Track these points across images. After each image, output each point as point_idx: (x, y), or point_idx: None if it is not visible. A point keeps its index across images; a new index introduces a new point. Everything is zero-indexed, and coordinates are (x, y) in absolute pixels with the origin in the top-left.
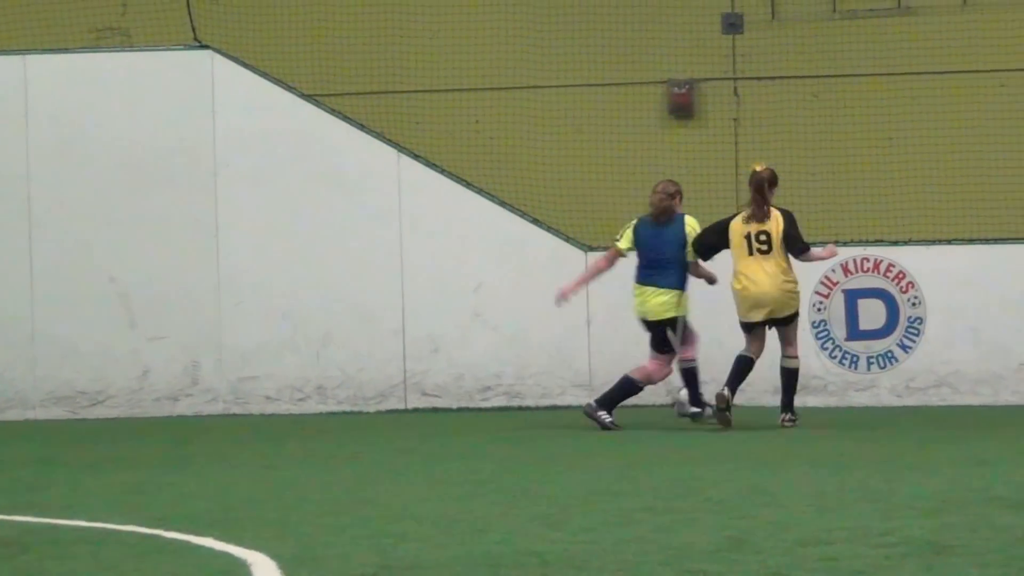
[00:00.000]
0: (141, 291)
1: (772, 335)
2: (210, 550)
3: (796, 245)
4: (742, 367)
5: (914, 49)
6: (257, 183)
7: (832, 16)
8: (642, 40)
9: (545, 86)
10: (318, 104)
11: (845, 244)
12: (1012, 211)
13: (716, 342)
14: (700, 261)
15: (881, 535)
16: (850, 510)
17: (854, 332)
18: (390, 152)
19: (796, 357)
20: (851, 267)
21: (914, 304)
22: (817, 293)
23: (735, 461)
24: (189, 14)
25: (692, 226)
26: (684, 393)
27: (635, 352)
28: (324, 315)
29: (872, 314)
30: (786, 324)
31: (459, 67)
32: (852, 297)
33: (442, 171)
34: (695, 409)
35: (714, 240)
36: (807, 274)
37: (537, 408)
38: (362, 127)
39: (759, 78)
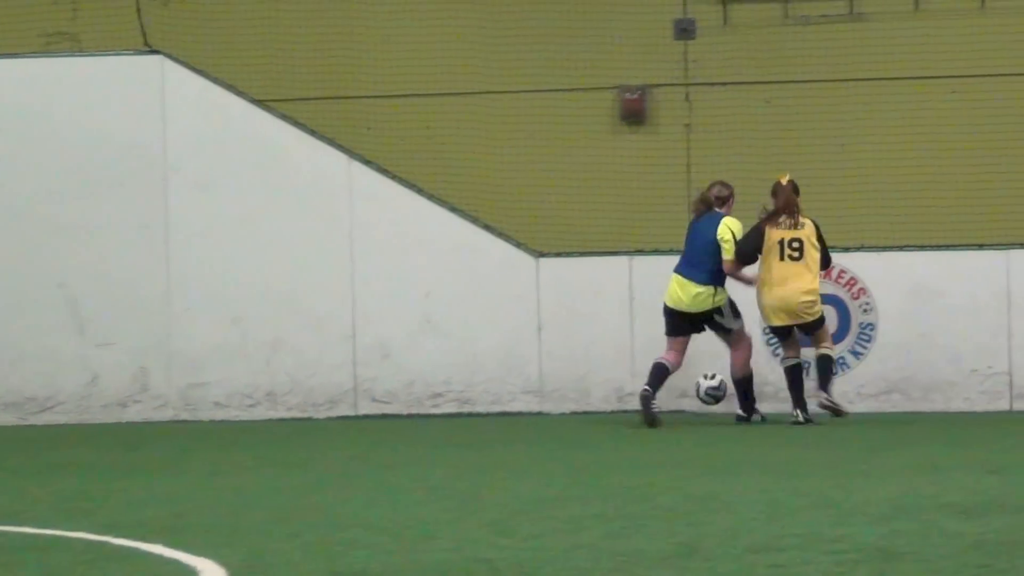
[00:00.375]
0: (90, 296)
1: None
2: (159, 557)
3: (827, 256)
4: (795, 376)
5: (866, 55)
6: (207, 188)
7: (784, 22)
8: (594, 46)
9: (497, 92)
10: (269, 109)
11: None
12: (964, 217)
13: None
14: (742, 265)
15: (832, 542)
16: (801, 517)
17: (806, 339)
18: (341, 158)
19: (830, 347)
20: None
21: (865, 310)
22: None
23: (686, 468)
24: (139, 19)
25: (726, 225)
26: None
27: (586, 358)
28: (274, 321)
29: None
30: (814, 329)
31: (410, 73)
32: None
33: (393, 177)
34: (742, 414)
35: (754, 245)
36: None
37: (488, 414)
38: (313, 133)
39: (711, 84)
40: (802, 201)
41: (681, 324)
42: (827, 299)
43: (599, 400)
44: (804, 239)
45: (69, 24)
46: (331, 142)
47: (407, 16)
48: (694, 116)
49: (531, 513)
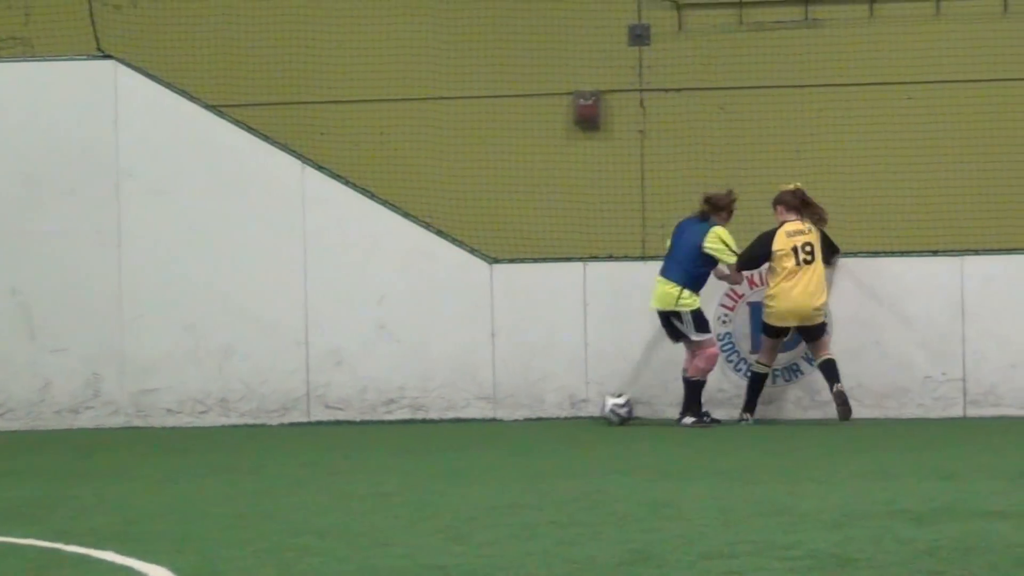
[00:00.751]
0: (42, 302)
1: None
2: (111, 564)
3: (831, 251)
4: (758, 382)
5: (821, 61)
6: (160, 194)
7: (739, 28)
8: (548, 51)
9: (451, 97)
10: (222, 115)
11: None
12: (918, 224)
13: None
14: (743, 271)
15: (785, 548)
16: (754, 523)
17: (759, 345)
18: (294, 163)
19: (831, 353)
20: (756, 280)
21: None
22: (722, 306)
23: (639, 474)
24: (92, 24)
25: (717, 236)
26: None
27: (539, 365)
28: (227, 327)
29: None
30: (817, 336)
31: (364, 78)
32: (757, 310)
33: (346, 182)
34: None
35: (761, 252)
36: (712, 287)
37: (441, 421)
38: (266, 138)
39: (665, 90)
40: (756, 206)
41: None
42: None
43: (553, 406)
44: (813, 243)
45: (22, 28)
46: (284, 148)
47: (361, 21)
48: (648, 122)
49: (485, 520)
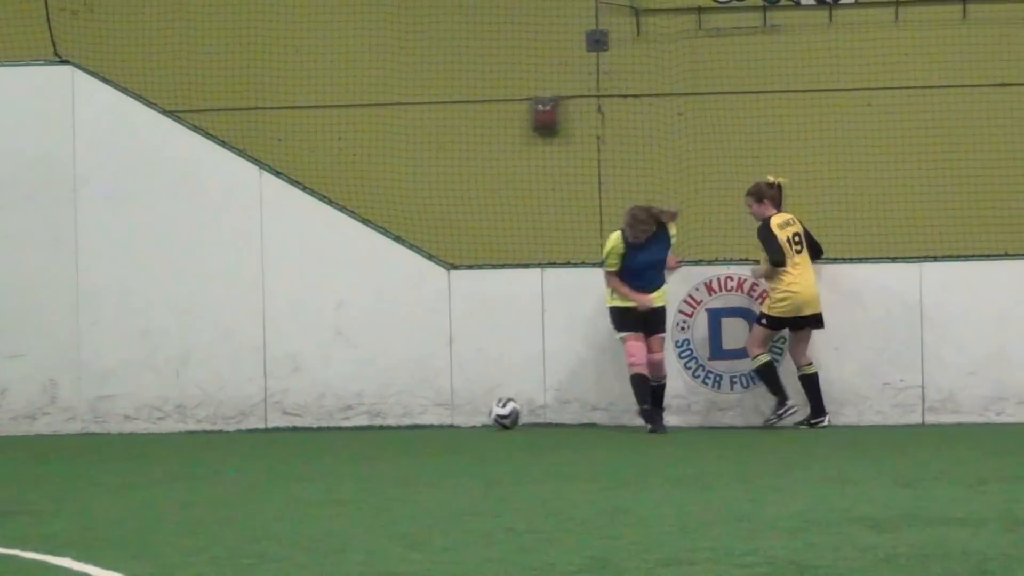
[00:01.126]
0: None
1: None
2: (68, 570)
3: (815, 252)
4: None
5: (780, 67)
6: (117, 200)
7: (697, 34)
8: (506, 57)
9: (408, 103)
10: (179, 120)
11: (709, 263)
12: (876, 230)
13: None
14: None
15: (744, 555)
16: (713, 530)
17: (717, 352)
18: (252, 169)
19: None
20: (715, 286)
21: None
22: (681, 312)
23: (598, 481)
24: (49, 29)
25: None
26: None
27: (497, 370)
28: (184, 333)
29: (736, 333)
30: (819, 324)
31: (322, 84)
32: (715, 316)
33: (304, 188)
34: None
35: (779, 243)
36: (671, 292)
37: (399, 427)
38: (224, 144)
39: (623, 96)
40: (717, 213)
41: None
42: (739, 312)
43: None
44: (801, 232)
45: None
46: (242, 153)
47: (319, 27)
48: (606, 128)
49: (442, 526)
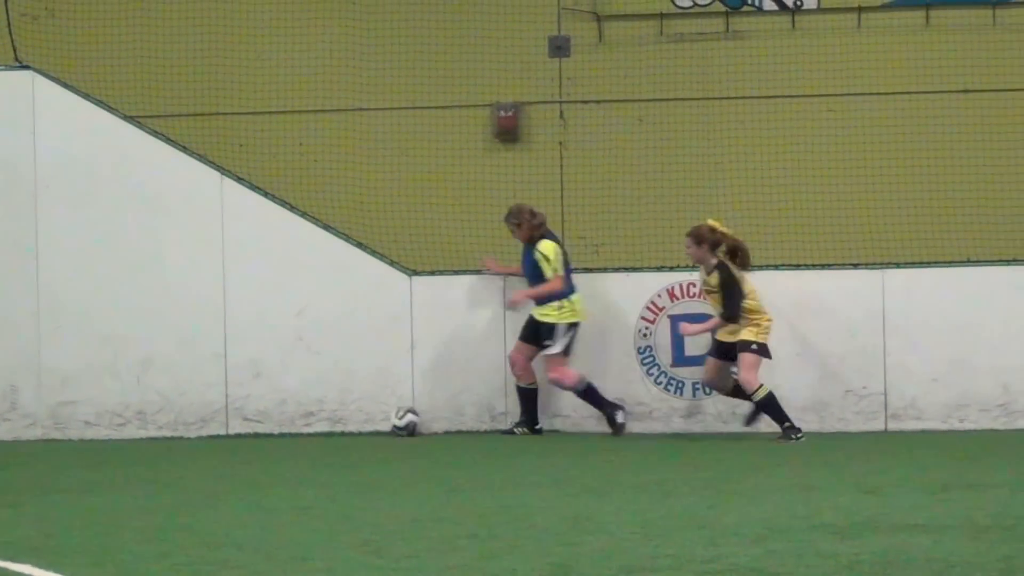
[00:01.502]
0: None
1: None
2: None
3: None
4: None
5: (742, 73)
6: (78, 205)
7: (659, 40)
8: (468, 63)
9: (370, 109)
10: (140, 126)
11: (672, 269)
12: (838, 236)
13: None
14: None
15: (706, 562)
16: (675, 537)
17: (680, 358)
18: (213, 175)
19: None
20: (677, 292)
21: None
22: (643, 319)
23: (560, 487)
24: (10, 34)
25: (542, 249)
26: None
27: (459, 377)
28: (145, 339)
29: (698, 340)
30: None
31: (284, 89)
32: (678, 323)
33: (266, 194)
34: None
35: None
36: (634, 299)
37: (360, 434)
38: (185, 149)
39: (585, 101)
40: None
41: None
42: (701, 319)
43: (472, 419)
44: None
45: None
46: (203, 159)
47: (280, 33)
48: (568, 134)
49: (404, 533)
